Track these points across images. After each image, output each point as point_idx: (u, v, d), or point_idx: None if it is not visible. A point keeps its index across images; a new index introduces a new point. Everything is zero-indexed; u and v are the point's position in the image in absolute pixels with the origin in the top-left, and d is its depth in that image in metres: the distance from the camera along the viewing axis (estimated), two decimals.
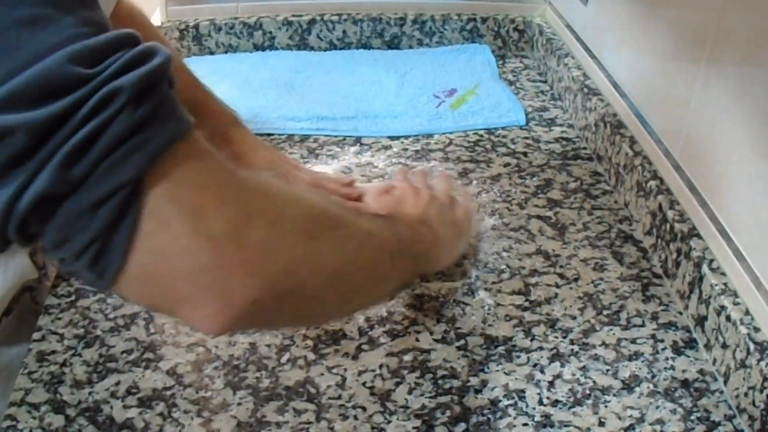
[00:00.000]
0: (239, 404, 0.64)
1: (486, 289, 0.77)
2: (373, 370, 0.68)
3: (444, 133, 1.06)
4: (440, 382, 0.67)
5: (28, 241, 0.40)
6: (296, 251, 0.47)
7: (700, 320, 0.72)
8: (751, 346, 0.63)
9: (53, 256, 0.42)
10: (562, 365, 0.69)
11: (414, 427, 0.63)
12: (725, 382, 0.67)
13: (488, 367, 0.68)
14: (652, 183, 0.84)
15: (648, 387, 0.67)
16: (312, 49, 1.31)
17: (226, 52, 1.30)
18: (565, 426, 0.63)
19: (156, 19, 1.28)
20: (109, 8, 0.75)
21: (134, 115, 0.39)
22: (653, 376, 0.68)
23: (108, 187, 0.39)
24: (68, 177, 0.38)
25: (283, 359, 0.69)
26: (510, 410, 0.64)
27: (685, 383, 0.67)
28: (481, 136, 1.06)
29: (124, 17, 0.83)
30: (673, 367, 0.69)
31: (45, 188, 0.38)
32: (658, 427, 0.63)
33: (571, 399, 0.65)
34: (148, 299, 0.46)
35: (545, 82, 1.22)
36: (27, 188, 0.38)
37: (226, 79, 1.17)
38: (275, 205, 0.46)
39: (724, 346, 0.67)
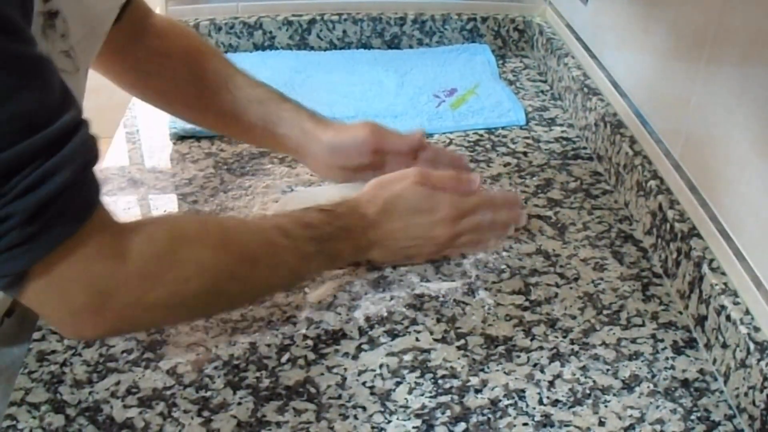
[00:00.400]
0: (239, 404, 0.64)
1: (486, 289, 0.77)
2: (373, 370, 0.68)
3: (444, 133, 1.06)
4: (440, 381, 0.67)
5: None
6: (144, 315, 0.60)
7: (700, 320, 0.72)
8: (751, 346, 0.63)
9: None
10: (562, 365, 0.69)
11: (414, 427, 0.63)
12: (725, 382, 0.67)
13: (488, 367, 0.68)
14: (652, 183, 0.84)
15: (648, 387, 0.67)
16: (312, 48, 1.31)
17: (226, 52, 1.30)
18: (565, 426, 0.63)
19: None
20: (112, 13, 0.76)
21: (23, 232, 0.50)
22: (653, 376, 0.68)
23: (1, 273, 0.52)
24: None
25: (283, 359, 0.69)
26: (510, 410, 0.64)
27: (685, 383, 0.67)
28: (481, 135, 1.06)
29: (167, 32, 0.88)
30: (673, 367, 0.69)
31: None
32: (658, 427, 0.63)
33: (571, 399, 0.65)
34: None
35: (545, 81, 1.22)
36: None
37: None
38: (128, 290, 0.56)
39: (725, 345, 0.67)
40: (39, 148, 0.49)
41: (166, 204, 0.90)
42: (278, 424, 0.63)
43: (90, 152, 0.54)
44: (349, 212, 0.73)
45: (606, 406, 0.65)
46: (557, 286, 0.78)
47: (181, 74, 0.87)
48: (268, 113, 0.86)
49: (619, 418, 0.64)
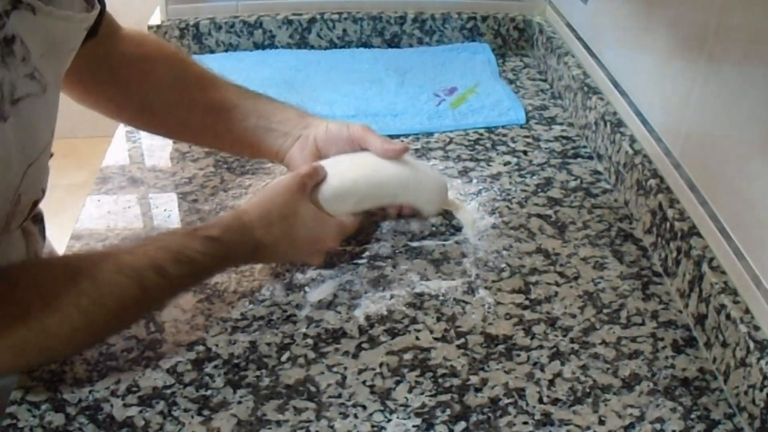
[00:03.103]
0: (239, 402, 0.64)
1: (486, 288, 0.77)
2: (374, 369, 0.68)
3: (444, 132, 1.06)
4: (440, 380, 0.67)
5: None
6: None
7: (700, 319, 0.72)
8: (751, 345, 0.63)
9: None
10: (562, 364, 0.69)
11: (414, 426, 0.63)
12: (725, 381, 0.67)
13: (488, 366, 0.68)
14: (652, 181, 0.84)
15: (648, 385, 0.67)
16: (312, 47, 1.31)
17: (226, 51, 1.30)
18: (565, 424, 0.63)
19: (156, 17, 1.28)
20: (77, 31, 0.72)
21: None
22: (653, 375, 0.68)
23: None
24: None
25: (283, 358, 0.69)
26: (510, 409, 0.64)
27: (685, 382, 0.67)
28: (481, 134, 1.06)
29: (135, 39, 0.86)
30: (673, 366, 0.69)
31: None
32: (658, 426, 0.63)
33: (571, 397, 0.65)
34: None
35: (545, 80, 1.22)
36: None
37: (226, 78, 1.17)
38: (24, 328, 0.59)
39: (724, 344, 0.67)
40: None
41: (166, 203, 0.90)
42: (278, 423, 0.63)
43: None
44: (238, 238, 0.72)
45: (606, 405, 0.65)
46: (557, 284, 0.78)
47: (165, 75, 0.86)
48: (260, 104, 0.87)
49: (619, 416, 0.64)
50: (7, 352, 0.59)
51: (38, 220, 0.83)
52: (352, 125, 0.84)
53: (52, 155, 0.73)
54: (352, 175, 0.81)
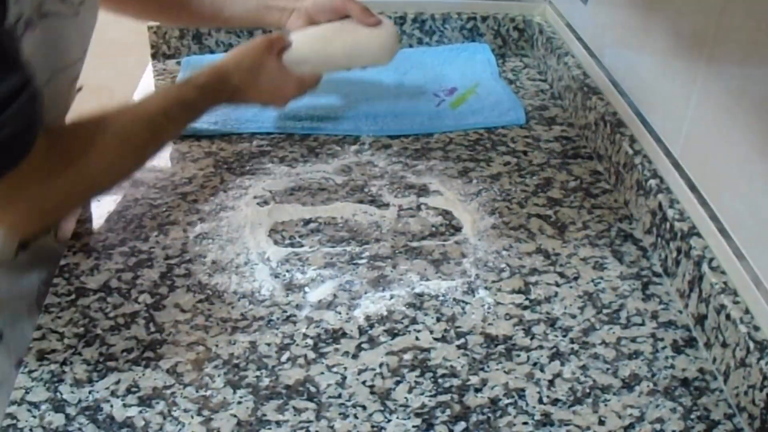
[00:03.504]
0: (239, 403, 0.64)
1: (486, 288, 0.77)
2: (373, 369, 0.68)
3: (444, 132, 1.06)
4: (440, 380, 0.67)
5: None
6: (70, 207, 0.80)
7: (700, 319, 0.72)
8: (751, 345, 0.63)
9: None
10: (562, 364, 0.69)
11: (414, 426, 0.63)
12: (725, 381, 0.67)
13: (488, 366, 0.68)
14: (652, 182, 0.84)
15: (648, 386, 0.67)
16: None
17: (226, 51, 1.30)
18: (565, 425, 0.63)
19: None
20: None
21: None
22: (653, 375, 0.68)
23: None
24: None
25: (283, 358, 0.69)
26: (510, 409, 0.64)
27: (685, 382, 0.67)
28: (481, 134, 1.06)
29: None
30: (673, 366, 0.69)
31: None
32: (657, 426, 0.63)
33: (571, 398, 0.65)
34: None
35: (545, 80, 1.22)
36: None
37: None
38: (64, 180, 0.70)
39: (724, 344, 0.67)
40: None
41: (166, 203, 0.90)
42: (278, 423, 0.63)
43: (35, 105, 0.64)
44: (220, 85, 0.90)
45: (606, 405, 0.65)
46: (557, 285, 0.78)
47: None
48: None
49: (619, 417, 0.64)
50: (62, 192, 0.71)
51: None
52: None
53: (80, 89, 0.87)
54: (310, 46, 0.99)
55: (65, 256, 0.81)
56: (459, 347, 0.70)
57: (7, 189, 0.65)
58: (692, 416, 0.64)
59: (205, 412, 0.64)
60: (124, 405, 0.64)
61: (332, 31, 1.00)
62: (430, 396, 0.65)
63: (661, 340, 0.72)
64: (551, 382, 0.67)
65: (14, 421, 0.62)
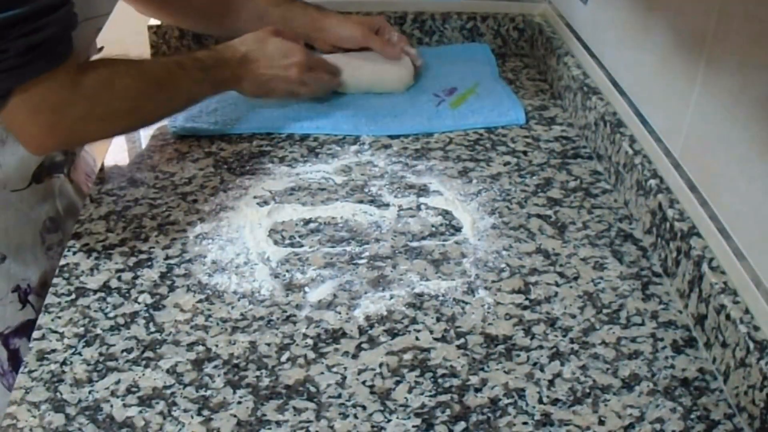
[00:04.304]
0: (239, 403, 0.64)
1: (486, 288, 0.77)
2: (373, 369, 0.68)
3: (444, 132, 1.06)
4: (440, 380, 0.67)
5: None
6: (93, 129, 0.84)
7: (700, 319, 0.72)
8: (751, 345, 0.63)
9: None
10: (562, 364, 0.69)
11: (414, 426, 0.63)
12: (725, 381, 0.67)
13: (488, 366, 0.68)
14: (652, 182, 0.84)
15: (648, 386, 0.67)
16: (312, 47, 1.31)
17: None
18: (565, 425, 0.63)
19: None
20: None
21: (16, 61, 0.72)
22: (653, 375, 0.68)
23: None
24: None
25: (283, 358, 0.69)
26: (510, 409, 0.64)
27: (685, 382, 0.67)
28: (481, 134, 1.06)
29: None
30: (672, 366, 0.69)
31: None
32: (657, 426, 0.63)
33: (571, 398, 0.65)
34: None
35: (545, 80, 1.22)
36: None
37: None
38: (77, 109, 0.79)
39: (724, 344, 0.67)
40: (37, 10, 0.71)
41: (166, 203, 0.90)
42: (278, 423, 0.63)
43: (71, 20, 0.76)
44: (226, 50, 0.98)
45: (606, 405, 0.65)
46: (557, 285, 0.78)
47: None
48: (285, 11, 1.11)
49: (619, 417, 0.64)
50: (83, 112, 0.80)
51: None
52: (359, 29, 1.12)
53: (101, 49, 0.96)
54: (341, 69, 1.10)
55: (65, 256, 0.81)
56: (459, 347, 0.70)
57: (36, 97, 0.75)
58: (692, 416, 0.64)
59: (205, 412, 0.64)
60: (124, 405, 0.64)
61: (360, 61, 1.12)
62: (430, 396, 0.65)
63: (661, 340, 0.72)
64: (551, 382, 0.67)
65: (14, 421, 0.62)
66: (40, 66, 0.74)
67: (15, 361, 0.87)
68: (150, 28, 1.26)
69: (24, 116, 0.76)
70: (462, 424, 0.63)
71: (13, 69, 0.72)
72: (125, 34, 1.27)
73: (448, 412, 0.64)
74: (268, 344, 0.70)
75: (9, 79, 0.73)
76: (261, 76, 0.99)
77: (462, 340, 0.71)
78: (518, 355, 0.70)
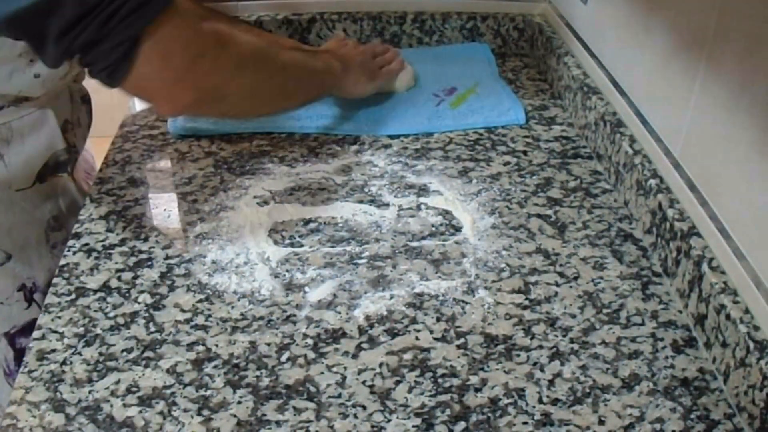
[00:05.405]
0: (239, 403, 0.64)
1: (486, 288, 0.77)
2: (373, 369, 0.68)
3: (444, 132, 1.06)
4: (440, 380, 0.67)
5: (79, 59, 0.71)
6: (225, 80, 0.79)
7: (700, 319, 0.72)
8: (751, 345, 0.63)
9: (89, 68, 0.72)
10: (562, 364, 0.69)
11: (414, 426, 0.63)
12: (725, 381, 0.67)
13: (488, 366, 0.68)
14: (652, 181, 0.84)
15: (648, 386, 0.67)
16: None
17: None
18: (565, 425, 0.63)
19: None
20: None
21: (133, 3, 0.68)
22: (653, 375, 0.68)
23: (120, 39, 0.69)
24: (103, 31, 0.68)
25: (283, 358, 0.69)
26: (510, 409, 0.64)
27: (685, 382, 0.67)
28: (481, 134, 1.06)
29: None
30: (672, 366, 0.69)
31: (90, 37, 0.68)
32: (657, 426, 0.63)
33: (571, 398, 0.65)
34: (136, 96, 0.87)
35: (545, 80, 1.22)
36: (79, 36, 0.67)
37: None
38: (219, 47, 0.77)
39: (724, 344, 0.67)
40: None
41: (166, 203, 0.90)
42: (278, 423, 0.63)
43: None
44: (333, 55, 1.03)
45: (606, 405, 0.65)
46: (557, 285, 0.78)
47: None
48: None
49: (619, 417, 0.64)
50: (242, 95, 0.82)
51: (86, 101, 0.99)
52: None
53: None
54: None
55: (65, 255, 0.81)
56: (459, 347, 0.70)
57: (166, 36, 0.71)
58: (692, 416, 0.64)
59: (205, 412, 0.64)
60: (124, 405, 0.64)
61: None
62: (430, 396, 0.65)
63: (661, 339, 0.72)
64: (551, 382, 0.67)
65: (14, 421, 0.62)
66: (155, 7, 0.70)
67: (21, 360, 0.87)
68: None
69: (157, 65, 0.72)
70: (462, 424, 0.63)
71: (137, 10, 0.68)
72: None
73: (448, 412, 0.64)
74: (268, 344, 0.70)
75: (137, 21, 0.69)
76: (354, 67, 1.05)
77: (462, 340, 0.71)
78: (518, 355, 0.70)
